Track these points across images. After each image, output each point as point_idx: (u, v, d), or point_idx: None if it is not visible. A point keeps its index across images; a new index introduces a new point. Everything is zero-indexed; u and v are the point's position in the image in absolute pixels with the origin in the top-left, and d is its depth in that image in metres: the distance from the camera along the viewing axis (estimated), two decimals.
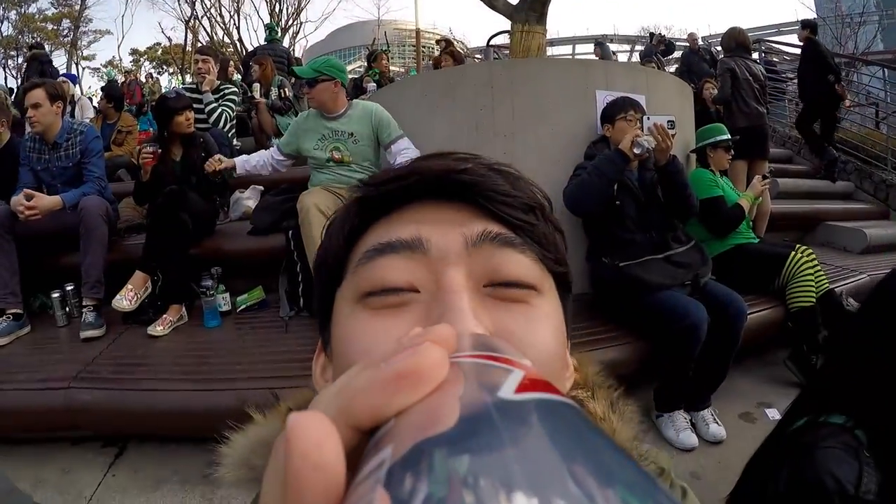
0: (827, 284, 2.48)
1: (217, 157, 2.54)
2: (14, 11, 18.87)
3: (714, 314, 1.97)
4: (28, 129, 2.72)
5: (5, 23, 18.83)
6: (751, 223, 2.81)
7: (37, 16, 19.46)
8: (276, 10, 17.70)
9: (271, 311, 2.58)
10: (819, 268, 2.46)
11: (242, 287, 2.72)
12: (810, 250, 2.46)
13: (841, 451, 0.67)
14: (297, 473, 0.13)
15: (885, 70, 6.07)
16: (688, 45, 7.50)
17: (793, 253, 2.43)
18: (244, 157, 2.65)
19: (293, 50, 12.12)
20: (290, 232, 2.43)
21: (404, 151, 2.40)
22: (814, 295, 2.36)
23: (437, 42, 8.13)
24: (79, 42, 20.23)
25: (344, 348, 0.31)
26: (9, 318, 2.39)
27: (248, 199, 3.28)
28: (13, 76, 18.85)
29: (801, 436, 0.74)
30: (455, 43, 8.39)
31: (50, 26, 19.79)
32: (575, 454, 0.12)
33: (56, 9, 19.80)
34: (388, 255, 0.31)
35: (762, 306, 2.39)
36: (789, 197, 4.46)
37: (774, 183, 3.39)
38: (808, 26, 5.23)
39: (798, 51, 7.58)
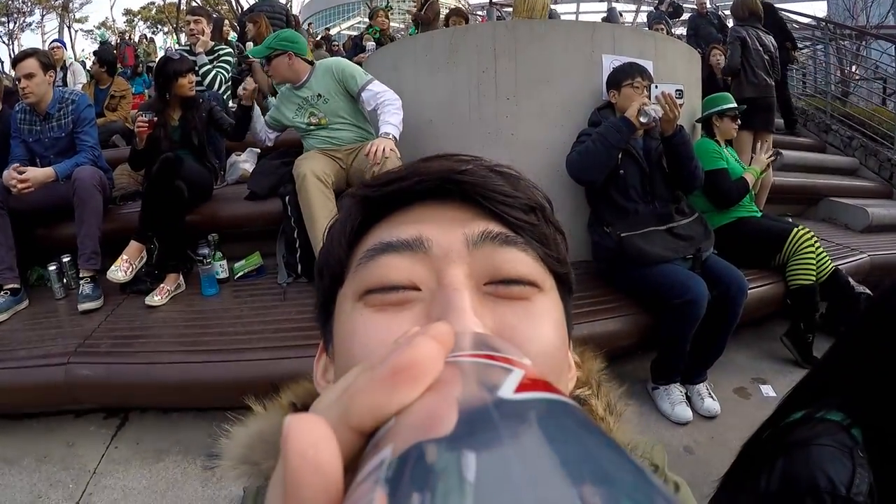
0: (830, 264, 2.45)
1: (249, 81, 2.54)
2: None
3: (715, 290, 1.96)
4: None
5: None
6: (754, 196, 2.78)
7: None
8: None
9: (269, 277, 2.57)
10: (820, 248, 2.43)
11: (240, 252, 2.69)
12: (811, 232, 2.44)
13: (836, 449, 0.68)
14: (294, 474, 0.13)
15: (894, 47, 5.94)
16: (696, 8, 7.28)
17: (795, 229, 2.41)
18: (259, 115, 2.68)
19: (290, 6, 11.71)
20: (287, 197, 2.40)
21: (379, 95, 2.35)
22: (814, 273, 2.34)
23: None
24: (70, 4, 19.63)
25: (345, 345, 0.31)
26: (6, 293, 2.37)
27: (245, 163, 3.23)
28: (4, 43, 18.38)
29: (797, 430, 0.74)
30: None
31: None
32: (574, 454, 0.12)
33: None
34: (390, 253, 0.31)
35: (762, 282, 2.38)
36: (793, 170, 4.41)
37: (779, 155, 3.34)
38: None
39: (807, 20, 7.42)
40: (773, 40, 4.10)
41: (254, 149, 3.30)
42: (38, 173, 2.41)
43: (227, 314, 2.24)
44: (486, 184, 0.33)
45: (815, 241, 2.41)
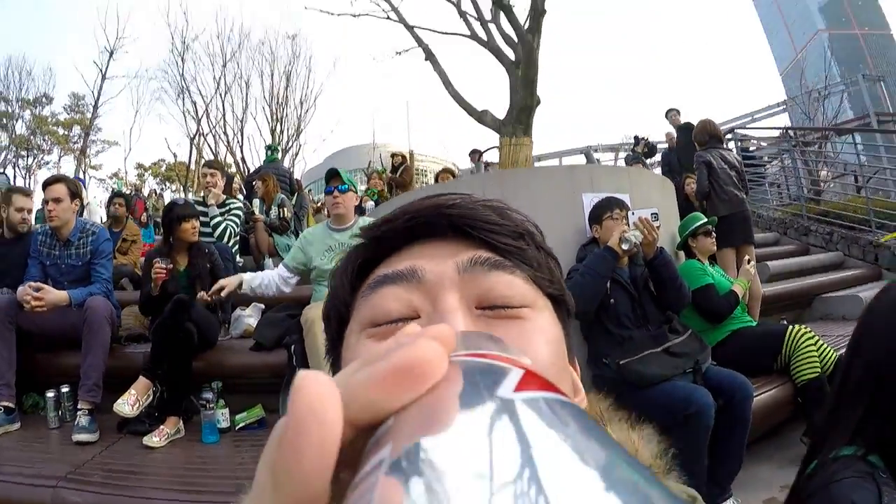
0: (833, 353, 2.44)
1: (218, 284, 2.45)
2: (28, 111, 19.50)
3: (720, 398, 1.96)
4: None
5: (19, 121, 19.34)
6: (745, 307, 2.83)
7: (49, 119, 20.03)
8: (278, 130, 18.13)
9: (270, 430, 2.49)
10: (820, 340, 2.44)
11: (241, 405, 2.64)
12: (807, 327, 2.47)
13: (856, 478, 0.67)
14: (299, 423, 0.13)
15: (857, 136, 6.21)
16: (666, 145, 7.49)
17: (790, 327, 2.44)
18: (251, 274, 2.61)
19: (293, 171, 12.56)
20: (293, 347, 2.41)
21: None
22: (818, 366, 2.33)
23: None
24: (87, 150, 20.79)
25: None
26: (0, 410, 2.32)
27: (250, 318, 3.21)
28: (22, 176, 19.28)
29: (814, 479, 0.74)
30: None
31: (61, 131, 20.17)
32: (574, 451, 0.12)
33: (68, 114, 20.46)
34: (388, 285, 0.34)
35: (769, 385, 2.37)
36: (780, 278, 4.50)
37: (763, 266, 3.42)
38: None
39: (771, 133, 7.97)
40: (737, 157, 4.37)
41: (258, 304, 3.31)
42: (53, 294, 2.48)
43: (228, 460, 2.18)
44: (473, 214, 0.35)
45: (814, 335, 2.43)
